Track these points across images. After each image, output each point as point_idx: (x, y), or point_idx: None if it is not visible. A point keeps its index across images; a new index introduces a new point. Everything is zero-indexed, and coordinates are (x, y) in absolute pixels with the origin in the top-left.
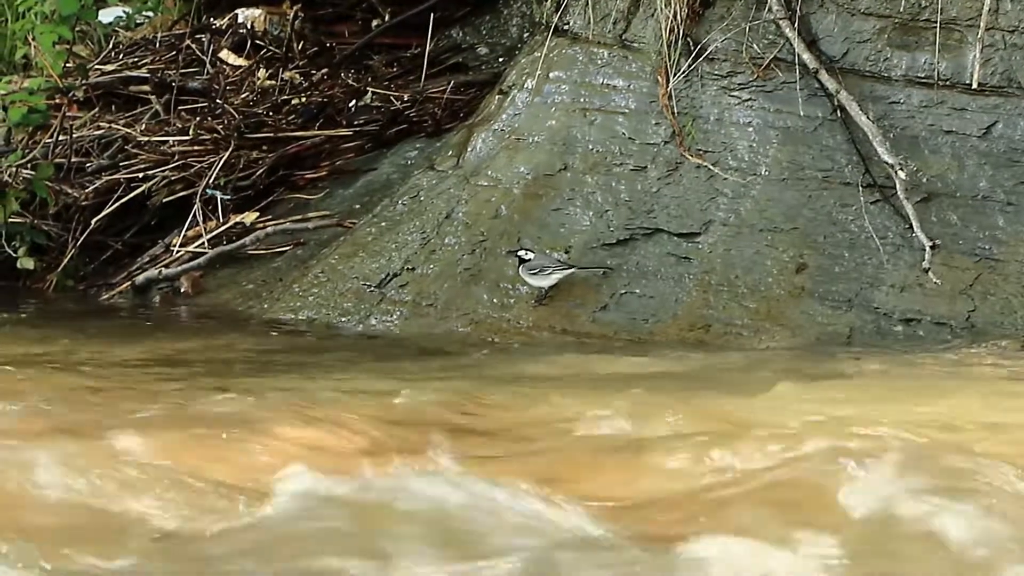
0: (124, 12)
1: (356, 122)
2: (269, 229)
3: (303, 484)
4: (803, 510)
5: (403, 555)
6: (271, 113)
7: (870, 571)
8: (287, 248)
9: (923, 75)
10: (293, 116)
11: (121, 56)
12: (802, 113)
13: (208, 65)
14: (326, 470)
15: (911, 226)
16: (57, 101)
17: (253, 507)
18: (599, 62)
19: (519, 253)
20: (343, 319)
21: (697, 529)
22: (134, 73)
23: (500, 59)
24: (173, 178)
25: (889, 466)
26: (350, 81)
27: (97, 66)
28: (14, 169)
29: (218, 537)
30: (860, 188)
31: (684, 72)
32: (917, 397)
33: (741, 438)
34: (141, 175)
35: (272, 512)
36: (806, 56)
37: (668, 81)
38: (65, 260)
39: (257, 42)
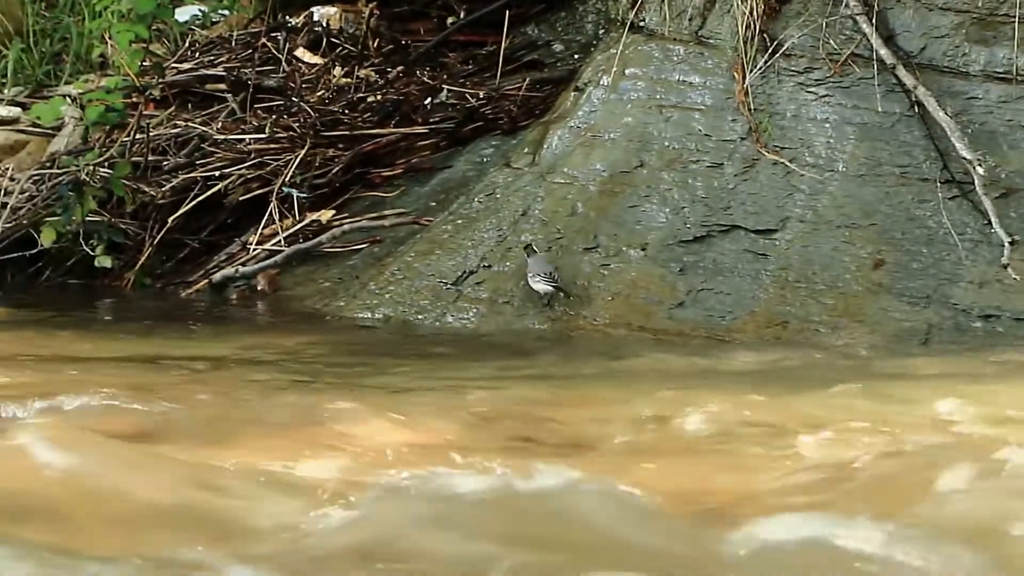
0: (200, 10)
1: (432, 119)
2: (345, 227)
3: (393, 482)
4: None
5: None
6: (347, 111)
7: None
8: (363, 246)
9: (1001, 70)
10: (369, 114)
11: (197, 54)
12: (880, 109)
13: (284, 63)
14: (414, 467)
15: (990, 222)
16: (134, 100)
17: (344, 504)
18: (675, 59)
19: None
20: (419, 316)
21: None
22: (210, 71)
23: (576, 56)
24: (249, 176)
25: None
26: (425, 79)
27: (173, 64)
28: (92, 168)
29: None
30: (938, 184)
31: (760, 68)
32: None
33: (810, 433)
34: (217, 173)
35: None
36: (883, 52)
37: (744, 77)
38: (142, 258)
39: (333, 40)
